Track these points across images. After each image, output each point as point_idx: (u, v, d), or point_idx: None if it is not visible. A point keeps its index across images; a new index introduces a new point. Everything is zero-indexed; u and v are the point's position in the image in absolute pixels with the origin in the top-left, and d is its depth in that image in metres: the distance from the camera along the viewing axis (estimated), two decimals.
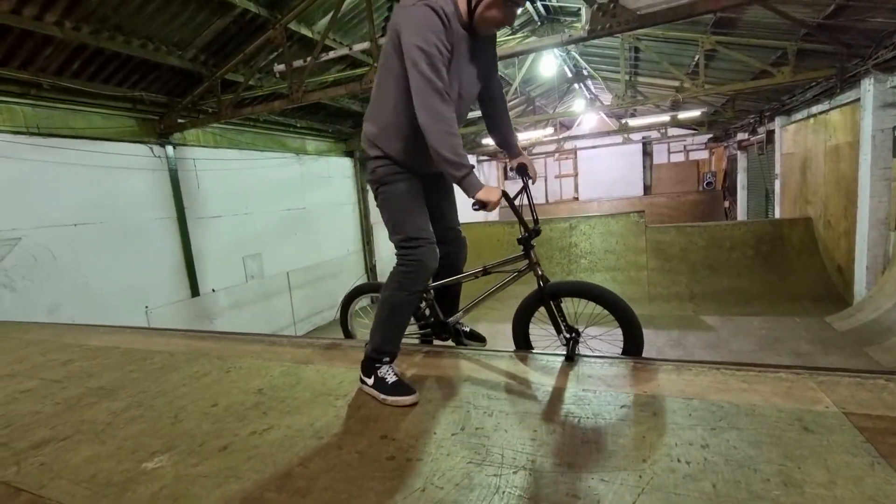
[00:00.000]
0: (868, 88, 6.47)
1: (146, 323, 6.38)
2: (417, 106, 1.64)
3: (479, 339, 2.50)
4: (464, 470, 1.26)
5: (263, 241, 8.58)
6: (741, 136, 13.72)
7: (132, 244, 6.32)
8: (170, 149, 6.83)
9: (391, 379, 1.81)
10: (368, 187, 9.07)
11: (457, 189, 1.85)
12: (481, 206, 1.71)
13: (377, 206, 2.03)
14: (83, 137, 5.76)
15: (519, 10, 1.89)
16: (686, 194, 18.08)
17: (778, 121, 10.72)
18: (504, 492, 1.15)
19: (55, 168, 5.48)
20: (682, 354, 6.03)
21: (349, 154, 10.93)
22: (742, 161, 14.35)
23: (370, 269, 11.50)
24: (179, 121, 6.70)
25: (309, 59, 5.56)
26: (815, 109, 8.79)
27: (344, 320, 2.93)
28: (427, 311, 2.38)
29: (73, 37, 4.77)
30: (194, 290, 7.22)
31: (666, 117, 11.91)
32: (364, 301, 2.94)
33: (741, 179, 14.53)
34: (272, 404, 1.87)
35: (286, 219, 9.13)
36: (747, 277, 8.62)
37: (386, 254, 12.09)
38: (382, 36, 5.27)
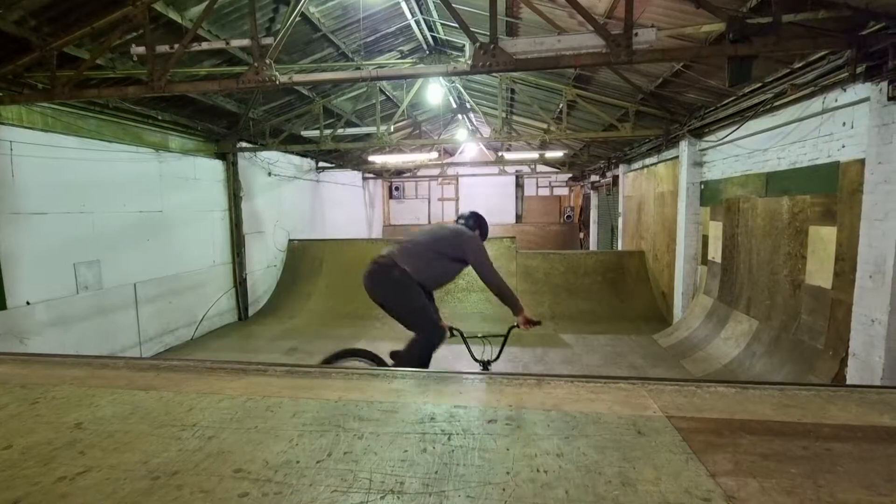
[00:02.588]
0: (684, 149, 7.98)
1: None
2: (486, 272, 3.53)
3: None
4: (328, 499, 1.18)
5: (104, 245, 7.28)
6: (594, 177, 15.82)
7: None
8: None
9: None
10: (241, 194, 8.36)
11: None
12: (530, 323, 3.47)
13: (400, 296, 3.49)
14: None
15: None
16: (550, 225, 20.19)
17: (621, 168, 12.61)
18: None
19: None
20: (544, 369, 6.58)
21: (221, 156, 9.96)
22: (594, 199, 16.52)
23: (239, 283, 10.48)
24: None
25: (177, 46, 4.98)
26: (648, 161, 10.54)
27: None
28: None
29: None
30: (0, 303, 5.80)
31: (535, 155, 13.22)
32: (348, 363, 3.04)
33: (593, 215, 16.69)
34: (94, 441, 1.55)
35: (137, 222, 7.90)
36: (596, 300, 9.82)
37: (258, 267, 11.17)
38: (267, 36, 4.98)
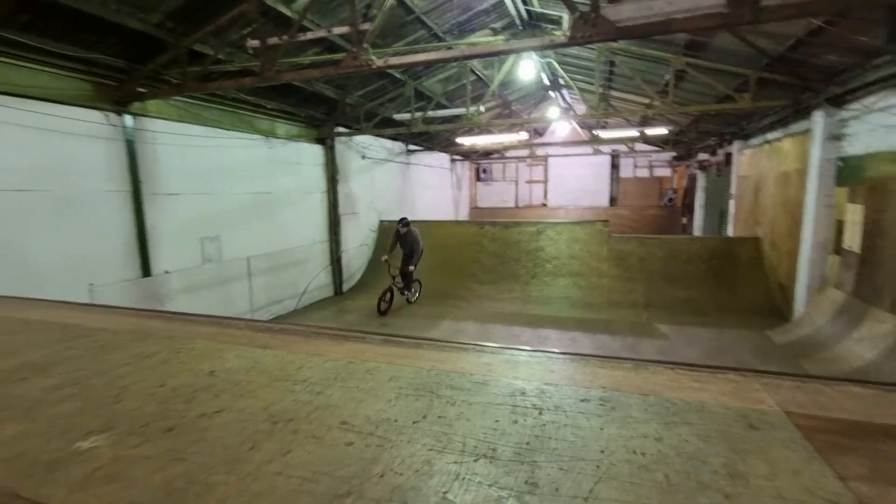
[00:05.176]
0: (818, 120, 6.91)
1: (90, 301, 5.99)
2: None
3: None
4: (424, 457, 1.25)
5: (224, 223, 8.25)
6: (702, 156, 14.38)
7: (79, 216, 5.92)
8: (128, 118, 6.45)
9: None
10: (338, 177, 9.18)
11: None
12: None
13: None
14: (29, 97, 5.34)
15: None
16: (648, 208, 18.84)
17: (736, 144, 11.31)
18: (464, 478, 1.14)
19: None
20: None
21: (321, 141, 10.68)
22: (701, 180, 15.05)
23: (336, 260, 11.27)
24: (139, 90, 6.34)
25: (284, 37, 5.39)
26: (769, 136, 9.32)
27: None
28: None
29: None
30: (145, 271, 6.85)
31: (634, 132, 12.33)
32: None
33: (699, 198, 15.23)
34: (224, 387, 1.79)
35: (250, 202, 8.82)
36: (699, 290, 9.04)
37: (352, 245, 11.91)
38: (364, 21, 5.18)
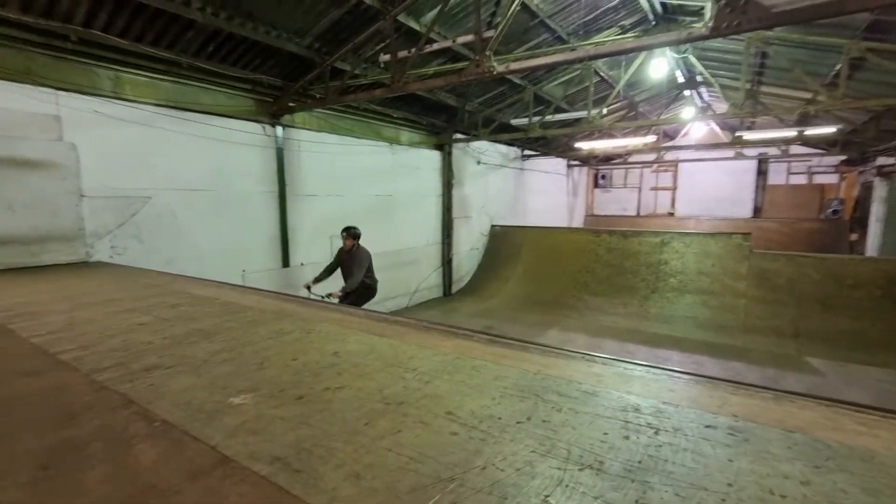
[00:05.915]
0: None
1: (242, 284, 7.02)
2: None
3: None
4: (527, 458, 1.23)
5: (350, 223, 8.99)
6: (883, 160, 11.90)
7: (238, 213, 6.98)
8: (279, 129, 7.44)
9: None
10: (453, 181, 9.44)
11: None
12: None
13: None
14: (210, 113, 6.46)
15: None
16: (803, 221, 16.11)
17: None
18: (567, 486, 1.10)
19: (185, 139, 6.21)
20: None
21: (439, 147, 11.15)
22: (881, 189, 12.47)
23: (447, 262, 11.65)
24: (290, 104, 7.26)
25: (413, 50, 5.74)
26: None
27: None
28: None
29: (211, 22, 5.36)
30: (285, 262, 7.82)
31: (790, 132, 10.65)
32: None
33: (877, 210, 12.64)
34: (345, 367, 1.97)
35: (373, 204, 9.55)
36: (871, 321, 7.48)
37: (463, 249, 12.19)
38: (488, 29, 5.28)
